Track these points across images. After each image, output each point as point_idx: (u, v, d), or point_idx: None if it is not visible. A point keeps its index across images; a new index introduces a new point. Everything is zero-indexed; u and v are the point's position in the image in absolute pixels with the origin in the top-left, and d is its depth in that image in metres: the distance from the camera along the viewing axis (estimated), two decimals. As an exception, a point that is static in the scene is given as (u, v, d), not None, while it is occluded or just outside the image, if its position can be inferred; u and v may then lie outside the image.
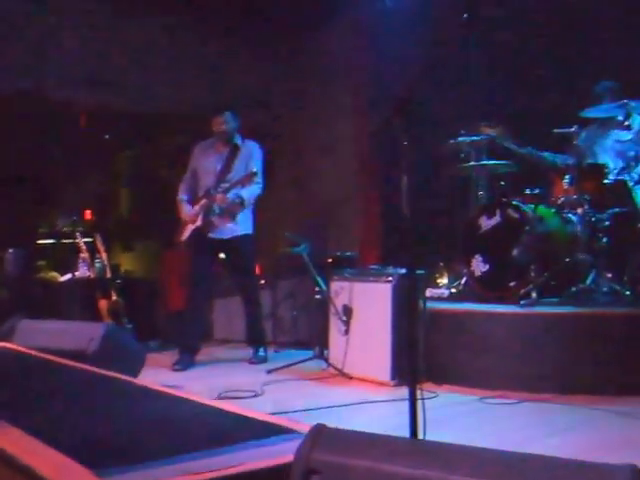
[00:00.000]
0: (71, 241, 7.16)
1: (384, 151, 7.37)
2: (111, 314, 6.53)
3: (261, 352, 6.06)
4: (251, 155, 5.80)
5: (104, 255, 6.90)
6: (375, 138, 7.60)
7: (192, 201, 5.96)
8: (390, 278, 5.04)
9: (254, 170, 5.56)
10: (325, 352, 5.47)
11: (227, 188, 5.65)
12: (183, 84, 7.82)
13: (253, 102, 8.18)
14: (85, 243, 6.96)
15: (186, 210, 5.84)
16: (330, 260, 6.51)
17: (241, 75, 8.23)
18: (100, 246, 6.92)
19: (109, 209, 11.09)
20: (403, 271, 4.95)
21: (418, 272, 4.64)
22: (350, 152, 8.15)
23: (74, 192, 9.83)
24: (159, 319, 7.50)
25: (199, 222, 5.75)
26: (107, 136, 9.48)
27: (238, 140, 5.89)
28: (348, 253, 6.98)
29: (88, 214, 9.93)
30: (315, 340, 5.69)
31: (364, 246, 7.88)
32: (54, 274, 7.93)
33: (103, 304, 6.63)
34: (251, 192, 5.76)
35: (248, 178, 5.57)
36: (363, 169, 8.16)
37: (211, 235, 5.82)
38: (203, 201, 5.78)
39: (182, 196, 5.92)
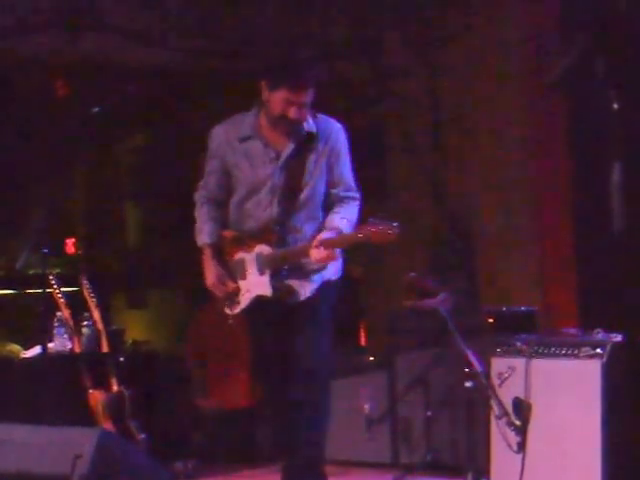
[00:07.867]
0: (41, 291, 6.07)
1: (577, 121, 5.98)
2: (110, 414, 5.57)
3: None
4: (334, 149, 4.34)
5: (97, 315, 5.83)
6: (558, 96, 5.96)
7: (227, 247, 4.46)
8: (598, 350, 4.51)
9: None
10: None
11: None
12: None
13: (344, 48, 6.81)
14: (64, 295, 5.88)
15: (214, 272, 4.40)
16: (490, 320, 5.59)
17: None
18: (90, 300, 5.84)
19: (105, 236, 9.59)
20: (619, 338, 4.52)
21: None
22: (515, 126, 6.55)
23: (45, 208, 8.28)
24: (194, 424, 6.52)
25: (267, 291, 4.35)
26: (96, 109, 7.75)
27: (310, 125, 4.30)
28: (522, 308, 5.83)
29: (70, 245, 8.56)
30: (466, 461, 4.99)
31: (550, 295, 6.40)
32: (13, 347, 6.80)
33: (97, 397, 5.63)
34: (351, 218, 4.34)
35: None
36: (538, 154, 6.50)
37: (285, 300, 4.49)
38: (261, 248, 4.29)
39: (205, 237, 4.43)
